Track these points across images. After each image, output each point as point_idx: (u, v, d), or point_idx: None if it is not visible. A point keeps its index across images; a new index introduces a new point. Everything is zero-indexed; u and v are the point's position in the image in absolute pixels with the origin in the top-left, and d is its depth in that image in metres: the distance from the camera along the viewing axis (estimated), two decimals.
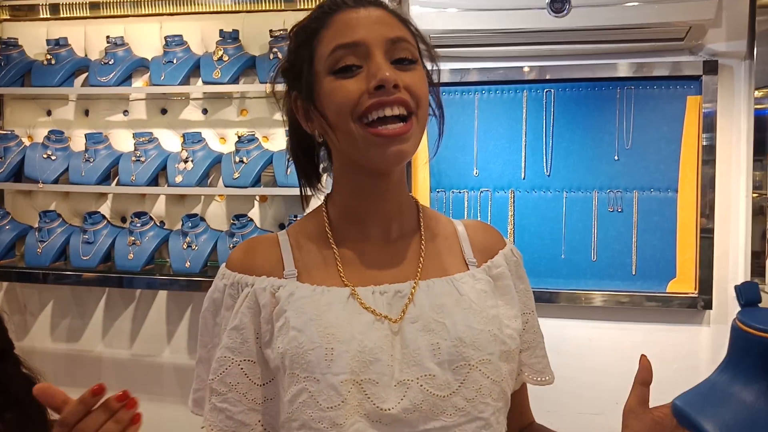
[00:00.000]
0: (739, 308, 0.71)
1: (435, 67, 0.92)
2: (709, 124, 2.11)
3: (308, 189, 0.97)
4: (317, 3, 0.90)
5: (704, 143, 2.12)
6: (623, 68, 2.17)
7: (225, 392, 0.85)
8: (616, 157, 2.20)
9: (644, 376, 0.80)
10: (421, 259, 0.88)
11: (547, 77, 2.22)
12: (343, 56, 0.80)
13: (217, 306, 0.89)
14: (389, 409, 0.77)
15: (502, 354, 0.84)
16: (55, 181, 2.42)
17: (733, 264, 2.14)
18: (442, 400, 0.79)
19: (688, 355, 2.14)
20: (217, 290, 0.90)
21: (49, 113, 2.61)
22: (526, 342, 0.96)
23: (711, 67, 2.10)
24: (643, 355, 0.82)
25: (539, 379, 0.97)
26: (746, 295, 0.70)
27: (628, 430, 0.78)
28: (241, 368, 0.86)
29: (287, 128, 0.95)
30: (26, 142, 2.57)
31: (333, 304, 0.82)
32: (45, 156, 2.44)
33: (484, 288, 0.88)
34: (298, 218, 2.25)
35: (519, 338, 0.90)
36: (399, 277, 0.87)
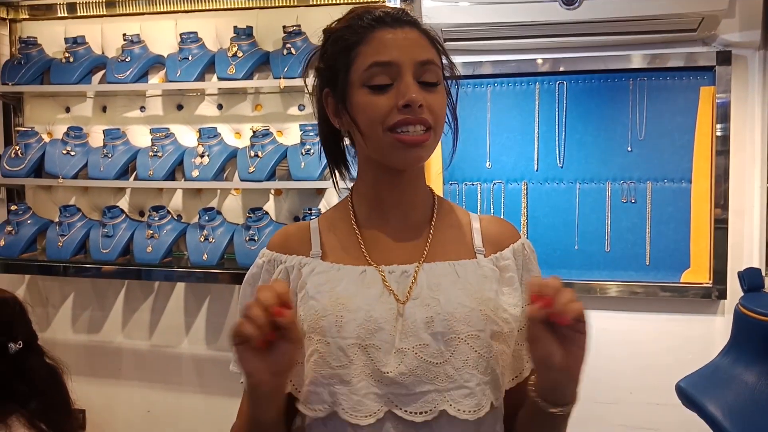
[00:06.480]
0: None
1: (450, 63, 1.00)
2: (722, 115, 2.11)
3: (338, 175, 1.07)
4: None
5: (718, 134, 2.11)
6: (636, 59, 2.17)
7: None
8: (629, 149, 2.20)
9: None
10: (427, 245, 0.99)
11: (560, 69, 2.22)
12: (377, 73, 0.91)
13: (255, 279, 1.02)
14: (388, 373, 0.88)
15: (494, 334, 0.92)
16: (75, 177, 2.47)
17: (747, 254, 2.13)
18: (435, 367, 0.89)
19: (703, 344, 2.14)
20: (257, 266, 1.03)
21: (67, 110, 2.66)
22: None
23: (724, 57, 2.09)
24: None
25: None
26: (749, 280, 0.71)
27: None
28: None
29: (316, 118, 1.05)
30: (46, 138, 2.61)
31: (345, 279, 0.94)
32: (64, 152, 2.48)
33: (486, 274, 0.96)
34: (313, 211, 2.29)
35: (515, 324, 0.95)
36: (408, 260, 0.97)
